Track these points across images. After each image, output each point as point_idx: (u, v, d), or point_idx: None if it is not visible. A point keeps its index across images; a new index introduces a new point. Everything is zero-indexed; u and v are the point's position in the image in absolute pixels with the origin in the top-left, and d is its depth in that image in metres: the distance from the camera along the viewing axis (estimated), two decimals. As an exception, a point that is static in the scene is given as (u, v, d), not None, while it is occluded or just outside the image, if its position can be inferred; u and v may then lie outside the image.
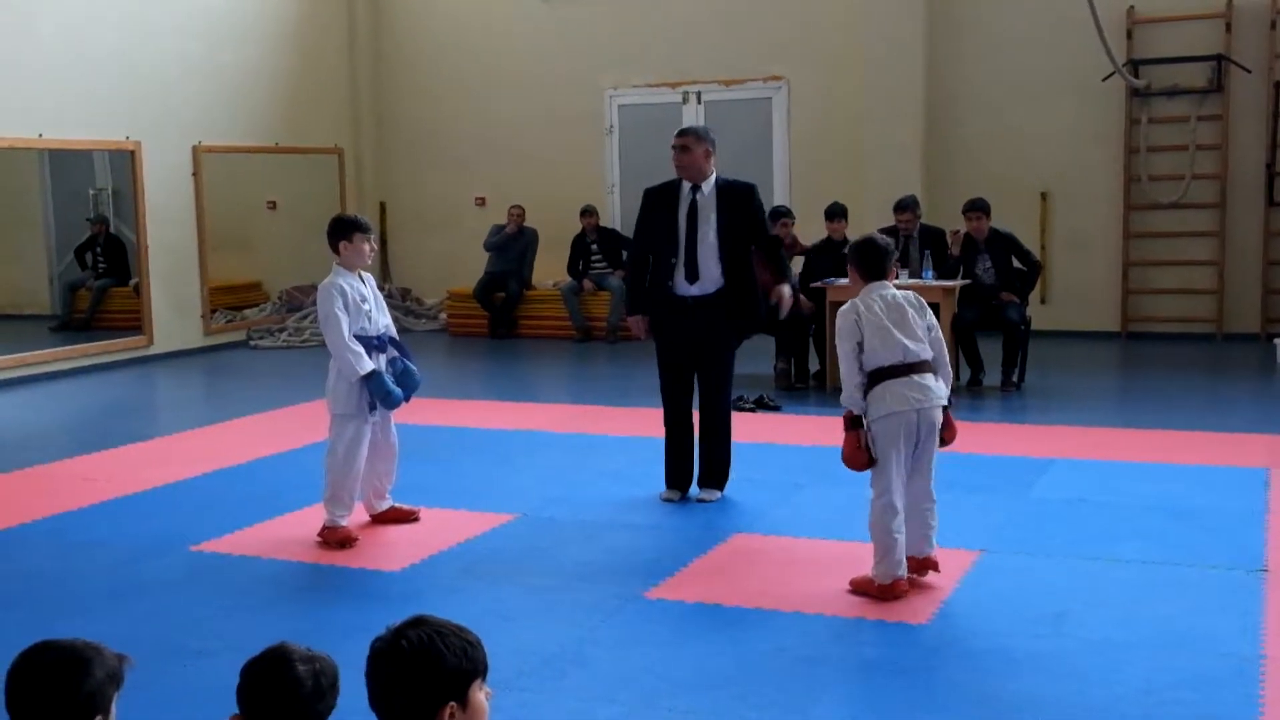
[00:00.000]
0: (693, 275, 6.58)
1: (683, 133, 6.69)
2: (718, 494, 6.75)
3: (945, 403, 5.16)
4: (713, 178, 6.63)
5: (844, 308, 5.20)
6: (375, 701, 2.38)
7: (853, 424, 5.09)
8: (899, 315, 5.12)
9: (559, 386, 11.58)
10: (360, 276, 6.12)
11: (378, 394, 6.02)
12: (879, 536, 5.12)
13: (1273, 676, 4.25)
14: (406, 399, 6.23)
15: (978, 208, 9.90)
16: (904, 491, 5.14)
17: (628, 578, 5.46)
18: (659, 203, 6.72)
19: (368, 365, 5.97)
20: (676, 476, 6.81)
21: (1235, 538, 5.79)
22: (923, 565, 5.29)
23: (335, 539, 6.01)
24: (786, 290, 6.71)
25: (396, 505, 6.41)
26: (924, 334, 5.15)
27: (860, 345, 5.08)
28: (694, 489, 6.79)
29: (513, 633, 4.79)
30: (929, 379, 5.10)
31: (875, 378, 5.06)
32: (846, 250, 5.37)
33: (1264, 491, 6.59)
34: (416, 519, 6.39)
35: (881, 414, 5.04)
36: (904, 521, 5.14)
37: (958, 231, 10.07)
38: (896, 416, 5.04)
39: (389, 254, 15.11)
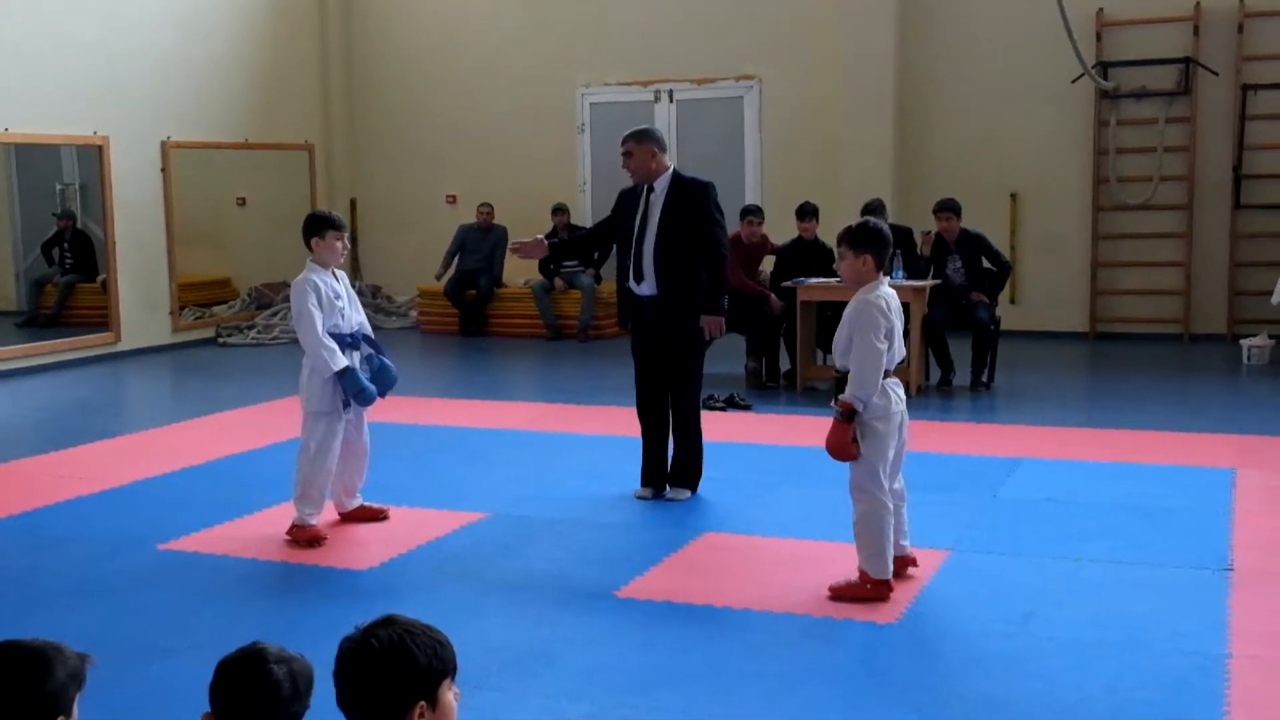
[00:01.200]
0: (639, 275, 6.60)
1: (624, 140, 6.63)
2: (687, 493, 6.74)
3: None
4: (667, 174, 6.61)
5: (870, 300, 5.00)
6: (344, 702, 2.37)
7: (850, 417, 4.97)
8: (900, 319, 5.15)
9: (530, 385, 11.56)
10: (334, 274, 6.11)
11: (351, 390, 6.00)
12: (873, 535, 5.06)
13: (1238, 675, 4.28)
14: (383, 395, 6.23)
15: (948, 208, 9.94)
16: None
17: (598, 576, 5.46)
18: (625, 203, 6.77)
19: (341, 361, 5.95)
20: (650, 474, 6.82)
21: (1202, 537, 5.84)
22: (904, 563, 5.32)
23: (304, 537, 5.99)
24: (717, 322, 6.59)
25: (366, 504, 6.39)
26: None
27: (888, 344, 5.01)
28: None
29: (483, 631, 4.78)
30: (898, 379, 5.18)
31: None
32: (851, 235, 5.09)
33: (1229, 491, 6.64)
34: (385, 518, 6.37)
35: (883, 413, 5.02)
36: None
37: (928, 232, 10.11)
38: (893, 416, 5.07)
39: (360, 251, 15.04)
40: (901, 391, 5.16)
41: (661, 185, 6.58)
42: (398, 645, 2.35)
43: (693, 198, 6.55)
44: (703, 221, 6.52)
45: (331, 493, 6.25)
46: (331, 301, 5.99)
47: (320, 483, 6.06)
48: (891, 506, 5.11)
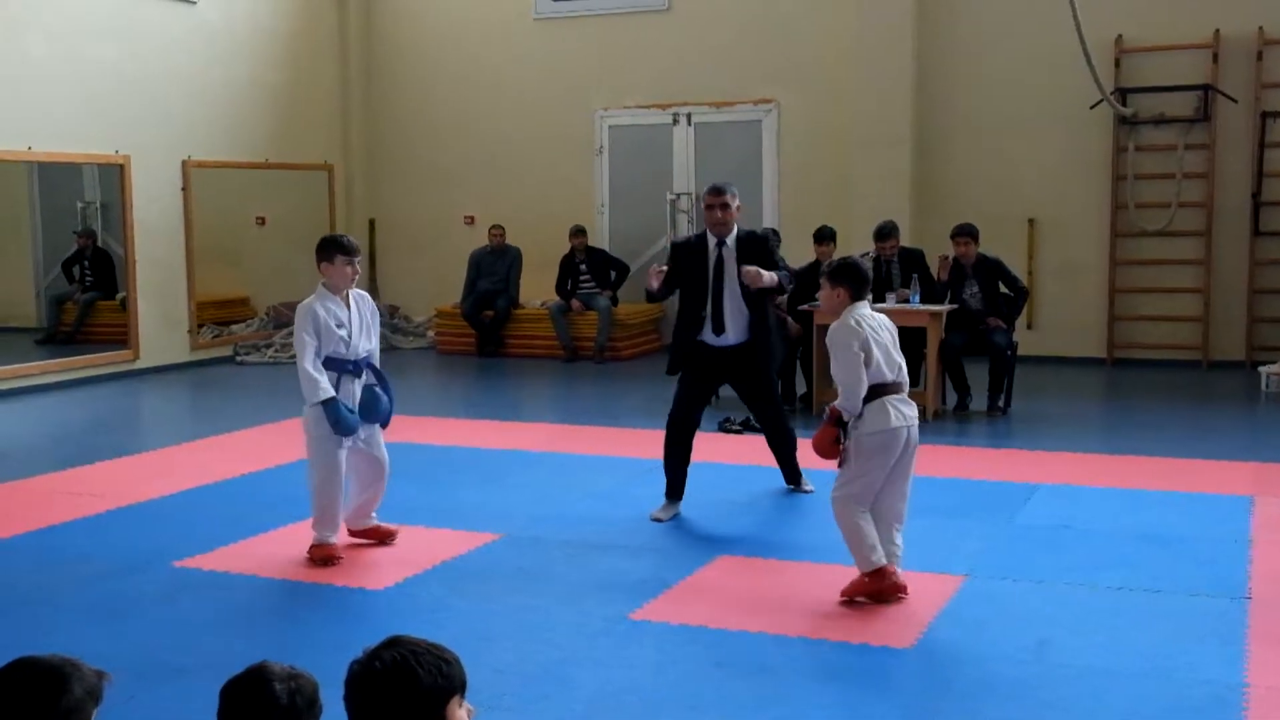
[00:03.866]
0: (720, 327, 6.77)
1: (719, 190, 6.78)
2: (807, 484, 7.14)
3: None
4: (735, 229, 6.81)
5: (842, 321, 5.30)
6: None
7: (838, 423, 5.24)
8: (890, 336, 5.35)
9: (546, 406, 11.57)
10: (350, 298, 6.02)
11: (330, 420, 5.91)
12: (856, 535, 5.27)
13: (1256, 704, 4.25)
14: (384, 425, 6.19)
15: (966, 233, 9.93)
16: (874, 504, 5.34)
17: (612, 598, 5.45)
18: (686, 256, 6.90)
19: (322, 393, 5.86)
20: (675, 487, 6.89)
21: (1219, 565, 5.81)
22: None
23: (318, 555, 5.99)
24: (766, 276, 6.80)
25: (378, 524, 6.38)
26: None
27: (866, 356, 5.20)
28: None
29: (495, 653, 4.78)
30: (909, 400, 5.35)
31: (875, 392, 5.23)
32: (826, 270, 5.48)
33: (1247, 518, 6.60)
34: (392, 539, 6.32)
35: (880, 428, 5.21)
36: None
37: (946, 257, 10.09)
38: (892, 432, 5.22)
39: (377, 271, 15.10)
40: (909, 411, 5.30)
41: (732, 239, 6.80)
42: (401, 666, 2.35)
43: (761, 248, 6.85)
44: (769, 264, 6.82)
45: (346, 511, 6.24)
46: (332, 330, 5.90)
47: (330, 504, 6.04)
48: (866, 510, 5.29)
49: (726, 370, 6.89)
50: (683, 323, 6.89)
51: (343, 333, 5.94)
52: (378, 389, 6.15)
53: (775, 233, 10.70)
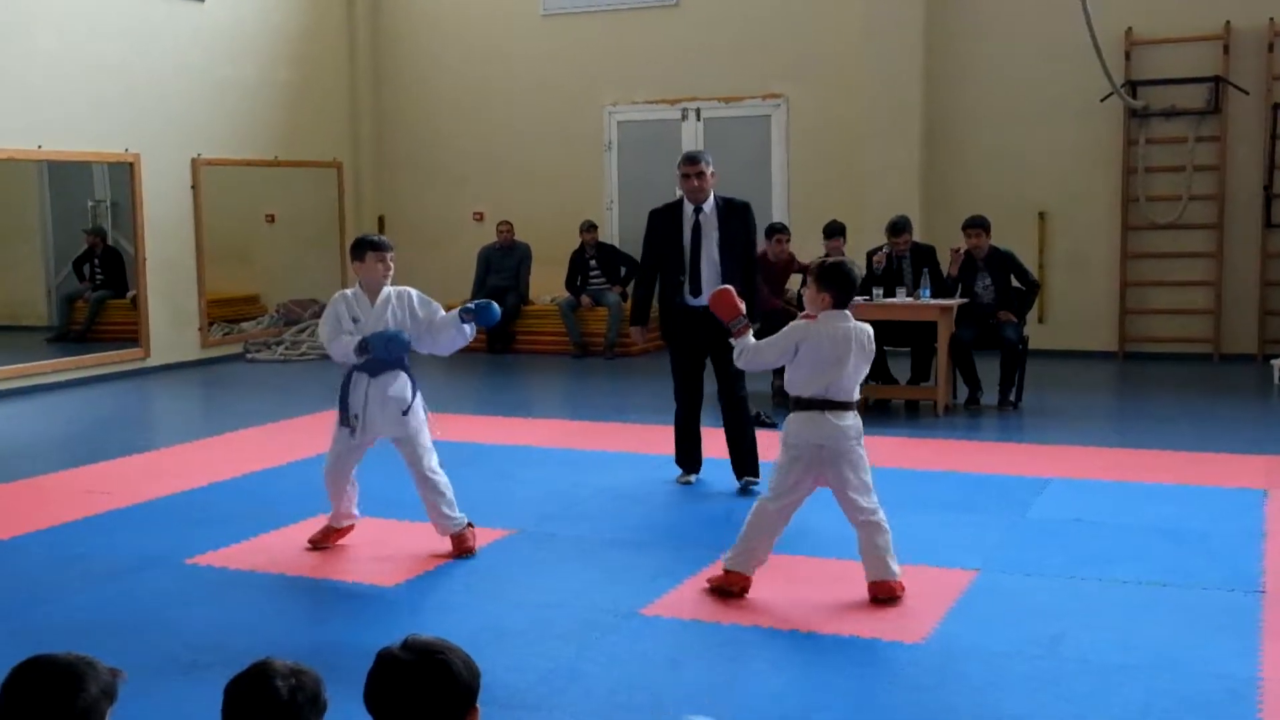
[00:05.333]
0: (697, 289, 7.06)
1: (694, 160, 7.14)
2: (757, 480, 7.05)
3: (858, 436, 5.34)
4: (712, 196, 7.12)
5: (798, 321, 5.34)
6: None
7: (733, 324, 5.44)
8: (842, 352, 5.20)
9: (556, 402, 11.57)
10: (382, 298, 5.90)
11: (380, 350, 5.82)
12: (750, 531, 5.37)
13: (1270, 698, 4.24)
14: (489, 325, 6.07)
15: (978, 225, 9.89)
16: (789, 517, 5.41)
17: (624, 594, 5.45)
18: (664, 223, 7.24)
19: (351, 342, 5.82)
20: (688, 459, 7.39)
21: (1232, 559, 5.79)
22: (879, 589, 5.26)
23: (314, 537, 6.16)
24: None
25: (458, 532, 6.08)
26: (858, 376, 5.28)
27: (794, 353, 5.25)
28: (698, 480, 6.82)
29: (508, 649, 4.77)
30: (846, 417, 5.23)
31: (799, 404, 5.28)
32: (815, 269, 5.35)
33: (1261, 512, 6.58)
34: (470, 554, 6.04)
35: (796, 440, 5.27)
36: (775, 536, 5.42)
37: (958, 249, 10.06)
38: (801, 448, 5.26)
39: (387, 268, 15.08)
40: (825, 429, 5.19)
41: (709, 206, 7.12)
42: (444, 663, 2.36)
43: (741, 216, 7.18)
44: (749, 238, 7.21)
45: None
46: (346, 323, 5.88)
47: (330, 489, 6.12)
48: (786, 519, 5.39)
49: (706, 333, 6.89)
50: (665, 288, 7.24)
51: (356, 328, 5.89)
52: (467, 315, 5.94)
53: (783, 226, 10.74)
